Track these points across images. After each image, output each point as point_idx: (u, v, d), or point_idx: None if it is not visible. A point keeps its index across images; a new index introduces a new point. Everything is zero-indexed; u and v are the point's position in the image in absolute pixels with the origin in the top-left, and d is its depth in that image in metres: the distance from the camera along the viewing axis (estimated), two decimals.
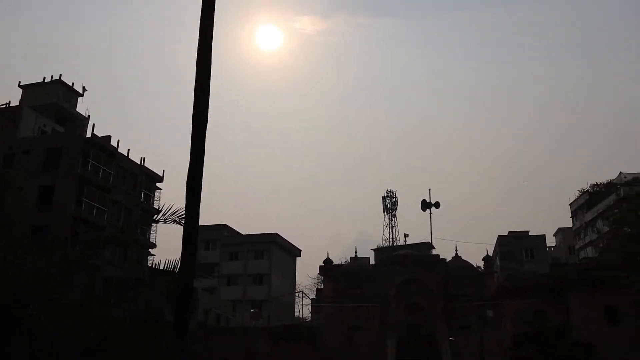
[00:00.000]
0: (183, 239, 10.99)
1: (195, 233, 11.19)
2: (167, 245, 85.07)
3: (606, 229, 68.36)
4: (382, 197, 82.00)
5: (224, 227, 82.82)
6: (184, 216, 11.26)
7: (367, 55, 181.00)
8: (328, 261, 60.87)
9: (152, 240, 56.74)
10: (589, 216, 77.45)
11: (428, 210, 45.84)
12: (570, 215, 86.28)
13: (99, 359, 9.93)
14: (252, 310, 72.92)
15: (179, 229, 11.43)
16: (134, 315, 11.94)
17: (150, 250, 57.09)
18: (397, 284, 41.73)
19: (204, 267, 68.72)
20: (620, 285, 37.01)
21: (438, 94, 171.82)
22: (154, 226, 55.67)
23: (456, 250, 63.64)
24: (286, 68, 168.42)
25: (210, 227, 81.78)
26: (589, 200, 79.68)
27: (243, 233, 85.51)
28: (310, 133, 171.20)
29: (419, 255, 45.08)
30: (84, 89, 52.56)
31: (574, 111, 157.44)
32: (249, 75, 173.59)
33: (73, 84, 51.43)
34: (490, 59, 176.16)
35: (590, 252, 74.09)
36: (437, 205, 45.70)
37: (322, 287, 64.80)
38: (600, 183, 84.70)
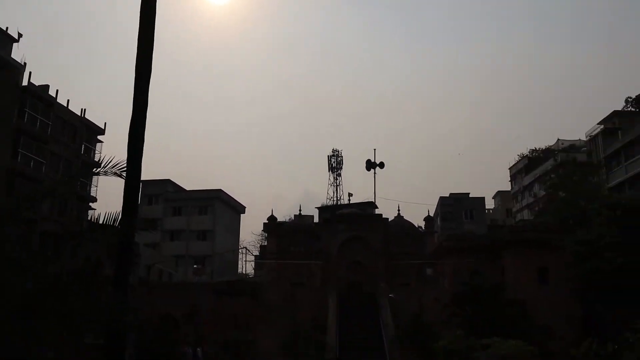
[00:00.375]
0: (124, 192, 10.75)
1: (136, 186, 10.97)
2: (108, 199, 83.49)
3: (542, 193, 71.08)
4: (328, 155, 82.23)
5: (167, 183, 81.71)
6: (125, 169, 10.95)
7: (312, 9, 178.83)
8: (272, 218, 61.08)
9: (92, 194, 55.41)
10: (526, 180, 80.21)
11: (372, 170, 46.27)
12: (509, 179, 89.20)
13: (35, 314, 9.66)
14: (195, 266, 72.80)
15: (121, 183, 11.15)
16: (72, 270, 11.64)
17: (90, 204, 55.78)
18: (339, 242, 42.30)
19: (147, 222, 68.02)
20: (553, 247, 38.78)
21: (382, 51, 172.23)
22: (94, 179, 54.40)
23: (399, 210, 65.13)
24: (235, 24, 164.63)
25: (153, 182, 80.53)
26: (528, 165, 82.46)
27: (187, 189, 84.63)
28: (256, 87, 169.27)
29: (362, 214, 45.68)
30: (20, 35, 49.81)
31: (516, 78, 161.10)
32: (196, 30, 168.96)
33: (7, 28, 48.70)
34: (426, 23, 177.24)
35: (526, 214, 77.03)
36: (381, 165, 46.18)
37: (265, 244, 65.10)
38: (539, 149, 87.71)
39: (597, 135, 61.55)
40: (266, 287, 44.99)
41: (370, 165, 45.71)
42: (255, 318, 41.00)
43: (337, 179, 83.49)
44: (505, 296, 27.86)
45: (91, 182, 54.20)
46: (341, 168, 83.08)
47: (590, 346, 11.99)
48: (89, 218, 54.70)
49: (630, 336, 6.43)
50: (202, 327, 40.62)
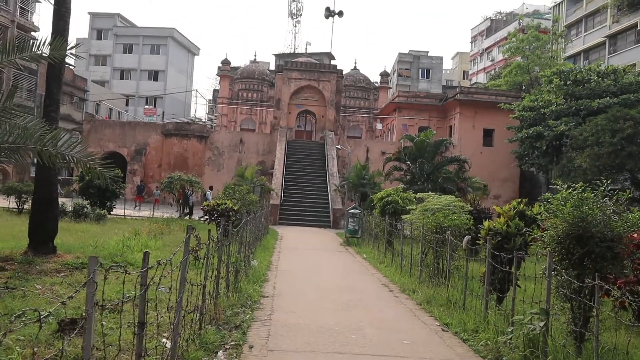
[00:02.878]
0: (53, 14, 9.96)
1: (65, 11, 10.13)
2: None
3: (500, 57, 70.95)
4: (288, 1, 78.82)
5: (116, 16, 77.37)
6: None
7: None
8: (225, 62, 59.57)
9: (36, 22, 52.00)
10: (486, 43, 79.54)
11: (331, 19, 44.67)
12: (470, 41, 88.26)
13: None
14: (146, 107, 71.63)
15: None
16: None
17: (32, 33, 52.54)
18: (292, 90, 41.82)
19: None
20: (501, 110, 39.59)
21: None
22: (36, 7, 50.86)
23: (355, 63, 64.33)
24: None
25: (101, 15, 76.35)
26: (490, 28, 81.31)
27: (139, 25, 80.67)
28: None
29: (316, 63, 44.80)
30: None
31: None
32: None
33: None
34: None
35: (482, 78, 77.33)
36: (340, 14, 44.44)
37: (218, 88, 64.11)
38: (503, 12, 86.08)
39: (562, 1, 60.46)
40: (215, 130, 44.93)
41: (329, 12, 43.98)
42: (203, 160, 41.44)
43: (296, 26, 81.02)
44: (449, 154, 28.65)
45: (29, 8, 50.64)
46: (301, 15, 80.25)
47: (517, 205, 12.53)
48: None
49: (550, 197, 6.74)
50: (148, 166, 40.94)
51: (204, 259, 6.90)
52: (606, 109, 31.68)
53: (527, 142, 36.39)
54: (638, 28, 43.61)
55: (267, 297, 9.70)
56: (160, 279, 4.78)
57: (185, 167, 39.64)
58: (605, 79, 34.52)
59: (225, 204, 15.33)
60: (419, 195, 16.32)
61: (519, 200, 15.67)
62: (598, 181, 6.94)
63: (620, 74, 34.79)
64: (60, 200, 15.27)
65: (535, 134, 35.18)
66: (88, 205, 23.05)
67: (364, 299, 10.13)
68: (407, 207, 16.34)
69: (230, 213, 15.07)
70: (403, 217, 15.68)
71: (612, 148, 28.78)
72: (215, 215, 15.19)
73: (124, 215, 26.55)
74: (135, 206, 32.55)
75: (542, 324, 6.12)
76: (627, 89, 33.45)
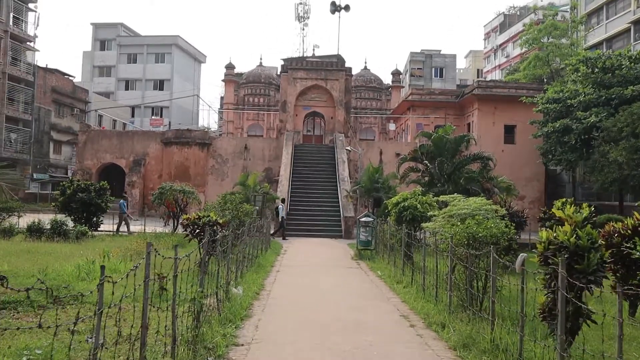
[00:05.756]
0: None
1: None
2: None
3: (515, 53, 67.95)
4: (295, 3, 76.47)
5: (119, 26, 75.62)
6: None
7: None
8: (230, 66, 57.27)
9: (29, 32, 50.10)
10: (500, 39, 76.67)
11: (337, 14, 41.93)
12: (483, 38, 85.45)
13: None
14: (152, 117, 69.80)
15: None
16: None
17: (29, 43, 50.65)
18: (298, 90, 39.09)
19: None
20: (522, 104, 36.78)
21: None
22: (29, 16, 48.96)
23: (365, 63, 61.65)
24: None
25: (104, 25, 74.71)
26: (503, 23, 78.46)
27: (142, 34, 78.90)
28: None
29: (323, 61, 41.87)
30: None
31: None
32: None
33: None
34: None
35: (497, 75, 74.38)
36: (347, 8, 41.58)
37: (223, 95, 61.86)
38: (517, 6, 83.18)
39: None
40: (218, 137, 42.40)
41: (334, 7, 41.25)
42: (206, 169, 38.97)
43: (303, 29, 78.76)
44: (469, 153, 25.79)
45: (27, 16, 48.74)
46: (308, 17, 77.86)
47: (562, 206, 9.78)
48: (31, 61, 50.30)
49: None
50: (148, 177, 38.52)
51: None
52: None
53: (553, 137, 33.47)
54: None
55: (241, 345, 6.99)
56: None
57: (187, 177, 37.20)
58: (638, 65, 31.64)
59: (208, 216, 12.68)
60: (441, 198, 13.63)
61: (564, 200, 13.00)
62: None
63: None
64: (39, 217, 12.97)
65: (562, 128, 32.27)
66: (69, 222, 20.64)
67: (376, 344, 7.40)
68: (428, 213, 13.67)
69: (215, 227, 12.47)
70: (423, 225, 12.98)
71: None
72: (197, 230, 12.56)
73: (113, 232, 24.08)
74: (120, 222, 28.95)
75: None
76: None
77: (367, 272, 15.40)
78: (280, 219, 26.57)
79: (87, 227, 20.87)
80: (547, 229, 6.75)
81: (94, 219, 22.91)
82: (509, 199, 21.67)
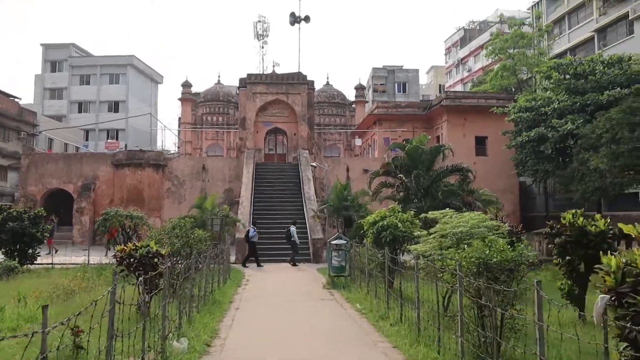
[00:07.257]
0: None
1: None
2: None
3: (477, 66, 67.23)
4: (254, 22, 74.70)
5: (71, 47, 72.47)
6: None
7: None
8: (187, 84, 54.82)
9: None
10: (462, 53, 76.22)
11: (297, 26, 39.92)
12: (444, 53, 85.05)
13: None
14: (107, 141, 66.67)
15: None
16: None
17: None
18: (258, 106, 36.75)
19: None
20: (493, 115, 35.35)
21: None
22: None
23: (327, 78, 59.79)
24: None
25: (54, 46, 71.48)
26: (464, 38, 78.09)
27: (96, 55, 75.82)
28: None
29: (283, 74, 39.48)
30: None
31: None
32: None
33: None
34: None
35: (460, 89, 73.65)
36: (307, 19, 39.58)
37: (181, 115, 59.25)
38: (476, 21, 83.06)
39: (540, 1, 57.10)
40: (174, 158, 39.69)
41: (294, 18, 39.30)
42: (161, 192, 36.27)
43: (263, 47, 76.62)
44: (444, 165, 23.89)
45: None
46: (267, 36, 76.01)
47: (573, 218, 7.85)
48: None
49: None
50: (98, 202, 35.56)
51: None
52: (618, 101, 27.59)
53: (528, 147, 32.02)
54: (629, 18, 39.99)
55: None
56: None
57: (141, 201, 34.45)
58: (611, 70, 30.52)
59: (147, 246, 10.28)
60: (430, 215, 11.54)
61: (574, 211, 11.06)
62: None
63: (626, 62, 30.81)
64: None
65: (537, 137, 30.82)
66: None
67: None
68: (414, 233, 11.57)
69: (156, 260, 10.09)
70: (411, 247, 10.84)
71: (632, 144, 24.50)
72: (134, 264, 10.13)
73: (52, 264, 21.25)
74: (48, 252, 25.14)
75: None
76: (637, 78, 29.47)
77: (343, 305, 13.08)
78: (250, 244, 23.96)
79: (17, 262, 18.11)
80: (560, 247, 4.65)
81: (29, 250, 20.11)
82: (499, 213, 19.73)
